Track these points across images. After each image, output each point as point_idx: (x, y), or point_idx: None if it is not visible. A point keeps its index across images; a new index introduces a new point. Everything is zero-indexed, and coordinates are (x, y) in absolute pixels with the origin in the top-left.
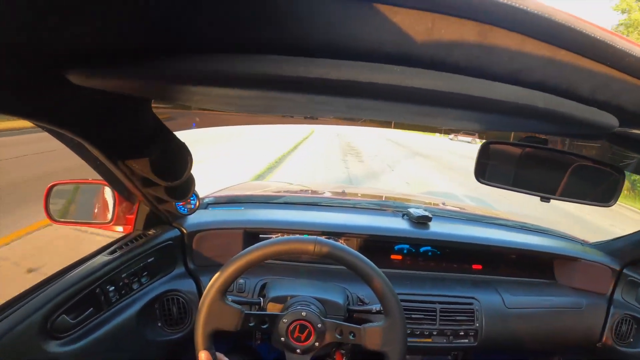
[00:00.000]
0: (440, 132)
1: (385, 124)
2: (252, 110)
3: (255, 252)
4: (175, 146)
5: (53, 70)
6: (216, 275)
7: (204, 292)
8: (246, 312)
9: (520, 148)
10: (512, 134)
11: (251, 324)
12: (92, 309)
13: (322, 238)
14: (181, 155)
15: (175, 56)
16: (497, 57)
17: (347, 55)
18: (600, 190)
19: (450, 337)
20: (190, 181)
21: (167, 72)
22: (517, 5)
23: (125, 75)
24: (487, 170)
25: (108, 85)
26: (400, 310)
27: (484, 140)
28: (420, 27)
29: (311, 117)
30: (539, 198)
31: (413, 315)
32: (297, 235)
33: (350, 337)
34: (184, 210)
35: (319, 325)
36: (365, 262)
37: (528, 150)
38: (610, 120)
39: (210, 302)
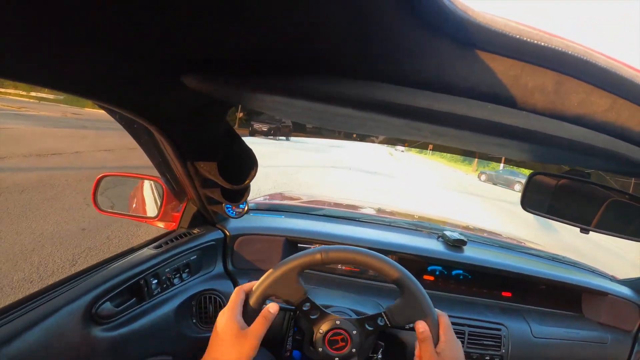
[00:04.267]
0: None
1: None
2: (336, 126)
3: (349, 252)
4: (242, 151)
5: (170, 71)
6: (303, 252)
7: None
8: (308, 295)
9: (565, 180)
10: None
11: (305, 308)
12: (134, 299)
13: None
14: (247, 161)
15: (289, 75)
16: (569, 102)
17: (447, 90)
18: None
19: None
20: (248, 186)
21: (277, 88)
22: (590, 59)
23: (235, 85)
24: (532, 200)
25: (216, 91)
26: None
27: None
28: (511, 72)
29: (400, 139)
30: (578, 229)
31: None
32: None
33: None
34: (232, 213)
35: (354, 333)
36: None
37: (572, 183)
38: None
39: (288, 270)
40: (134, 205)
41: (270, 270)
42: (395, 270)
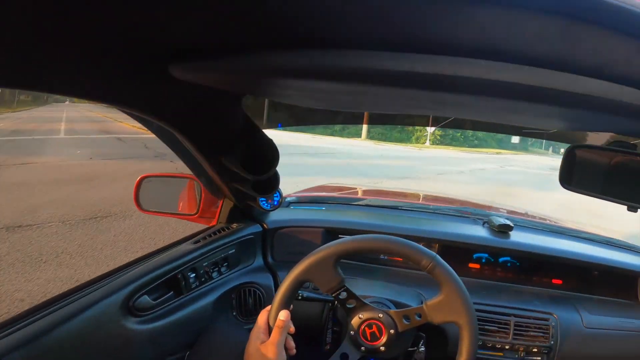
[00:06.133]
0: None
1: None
2: (341, 106)
3: (379, 241)
4: (262, 142)
5: (157, 64)
6: (339, 240)
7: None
8: (344, 283)
9: (607, 153)
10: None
11: (342, 297)
12: (172, 292)
13: (439, 257)
14: (268, 151)
15: (273, 51)
16: (580, 51)
17: (432, 49)
18: None
19: (522, 354)
20: (276, 177)
21: (264, 67)
22: None
23: (222, 71)
24: (572, 175)
25: (206, 80)
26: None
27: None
28: (502, 21)
29: (398, 113)
30: (626, 207)
31: (486, 327)
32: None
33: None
34: (267, 206)
35: (392, 332)
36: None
37: (615, 156)
38: None
39: (325, 256)
40: (182, 203)
41: (304, 259)
42: (436, 266)
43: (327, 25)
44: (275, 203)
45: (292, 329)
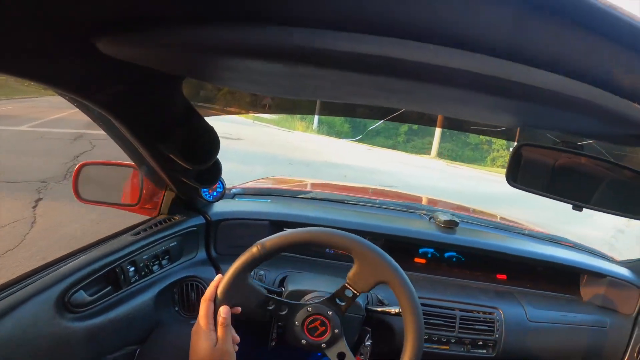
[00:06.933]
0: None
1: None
2: (280, 91)
3: (288, 236)
4: (203, 129)
5: (82, 37)
6: (242, 254)
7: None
8: (267, 294)
9: (554, 152)
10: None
11: (271, 307)
12: (110, 287)
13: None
14: (209, 139)
15: (207, 25)
16: (534, 42)
17: (378, 30)
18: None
19: (468, 347)
20: (217, 167)
21: (197, 42)
22: None
23: (153, 46)
24: (519, 173)
25: (136, 57)
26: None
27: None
28: (455, 4)
29: (339, 101)
30: (571, 206)
31: (432, 321)
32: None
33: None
34: (209, 197)
35: (329, 313)
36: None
37: (563, 156)
38: None
39: (233, 276)
40: (122, 193)
41: (217, 277)
42: (340, 238)
43: None
44: (217, 194)
45: (238, 309)
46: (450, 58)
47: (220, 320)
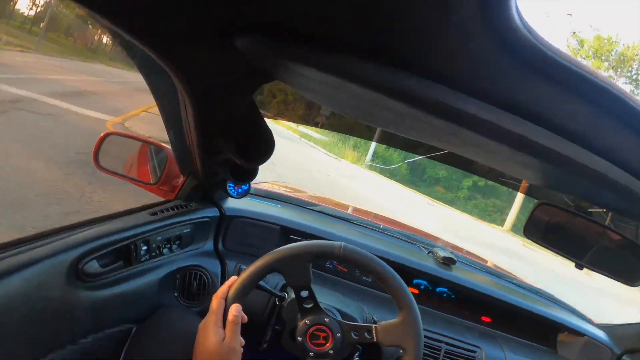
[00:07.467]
0: None
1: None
2: (356, 115)
3: (367, 259)
4: (262, 130)
5: (225, 34)
6: (321, 241)
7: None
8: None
9: (567, 214)
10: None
11: (303, 295)
12: (121, 262)
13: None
14: (265, 141)
15: (358, 56)
16: (608, 138)
17: (500, 103)
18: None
19: None
20: (256, 168)
21: (341, 70)
22: (629, 102)
23: (287, 55)
24: (536, 228)
25: (271, 62)
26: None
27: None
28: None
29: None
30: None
31: None
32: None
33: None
34: (234, 192)
35: (338, 335)
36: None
37: (574, 218)
38: None
39: (304, 252)
40: (130, 169)
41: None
42: (402, 293)
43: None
44: (242, 191)
45: (245, 318)
46: (540, 137)
47: (230, 317)
